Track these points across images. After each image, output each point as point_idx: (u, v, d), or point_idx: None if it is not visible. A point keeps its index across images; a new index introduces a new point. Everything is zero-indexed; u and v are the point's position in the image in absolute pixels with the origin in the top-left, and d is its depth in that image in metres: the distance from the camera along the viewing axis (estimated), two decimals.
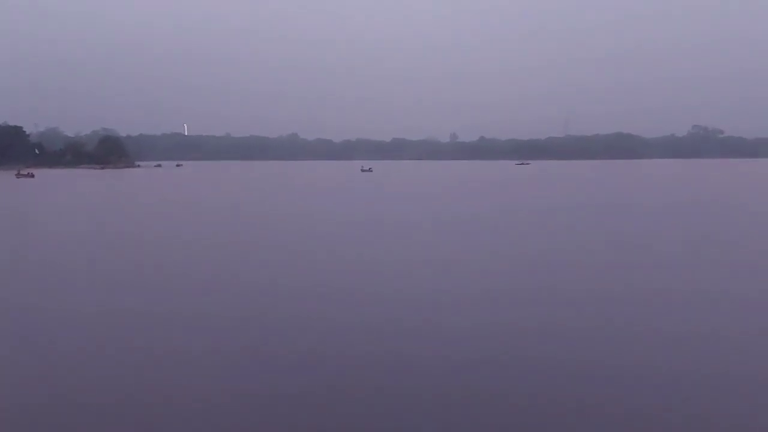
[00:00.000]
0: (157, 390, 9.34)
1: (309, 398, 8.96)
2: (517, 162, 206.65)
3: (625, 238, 25.35)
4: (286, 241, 25.45)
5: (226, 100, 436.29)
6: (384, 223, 31.67)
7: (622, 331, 12.12)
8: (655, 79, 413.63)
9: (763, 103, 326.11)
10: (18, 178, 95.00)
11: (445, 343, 11.41)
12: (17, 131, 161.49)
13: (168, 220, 34.50)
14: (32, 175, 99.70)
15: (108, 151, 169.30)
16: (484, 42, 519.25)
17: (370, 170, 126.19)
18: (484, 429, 8.04)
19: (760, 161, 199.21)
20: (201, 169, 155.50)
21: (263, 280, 17.50)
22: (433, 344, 11.36)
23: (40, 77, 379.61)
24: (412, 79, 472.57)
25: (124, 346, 11.46)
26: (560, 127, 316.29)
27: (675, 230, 28.11)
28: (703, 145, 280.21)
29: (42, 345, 11.68)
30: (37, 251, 23.62)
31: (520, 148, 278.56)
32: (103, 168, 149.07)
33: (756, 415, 8.42)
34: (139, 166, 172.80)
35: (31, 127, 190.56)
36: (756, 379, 9.65)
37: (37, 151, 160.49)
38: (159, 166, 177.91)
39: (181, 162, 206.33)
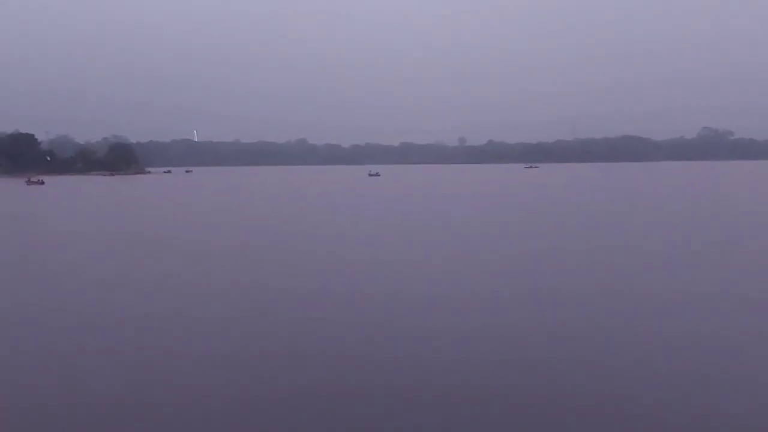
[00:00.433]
0: (158, 390, 9.44)
1: (309, 398, 9.02)
2: (525, 165, 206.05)
3: (627, 241, 25.32)
4: (289, 243, 25.55)
5: (235, 106, 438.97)
6: (384, 225, 31.78)
7: (621, 332, 12.13)
8: (663, 79, 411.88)
9: None
10: (29, 185, 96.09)
11: (445, 343, 11.46)
12: (29, 139, 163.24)
13: (173, 225, 34.71)
14: (42, 182, 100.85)
15: (118, 158, 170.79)
16: (491, 44, 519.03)
17: (377, 175, 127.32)
18: (485, 429, 8.07)
19: None
20: (210, 174, 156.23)
21: (267, 282, 17.63)
22: (434, 344, 11.41)
23: (51, 85, 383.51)
24: (419, 82, 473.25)
25: (125, 347, 11.56)
26: (568, 129, 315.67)
27: (680, 232, 28.10)
28: (713, 147, 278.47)
29: (43, 346, 11.79)
30: (39, 255, 23.88)
31: (528, 152, 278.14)
32: (112, 174, 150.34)
33: (756, 415, 8.41)
34: (149, 172, 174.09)
35: (43, 135, 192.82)
36: (756, 380, 9.62)
37: (48, 159, 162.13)
38: (169, 172, 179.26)
39: (190, 168, 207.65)
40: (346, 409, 8.66)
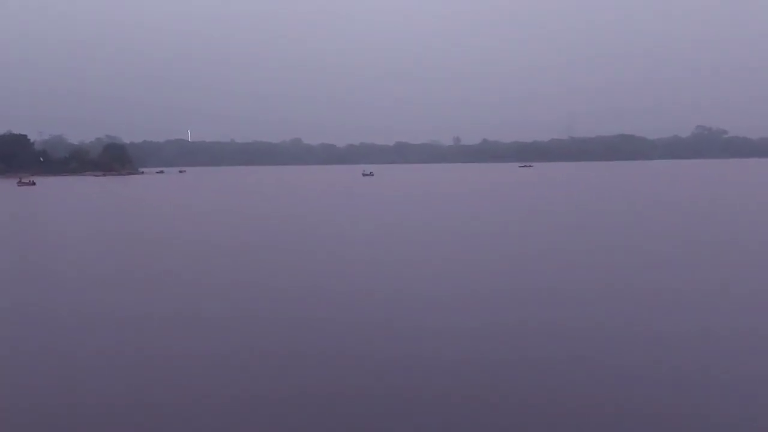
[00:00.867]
0: (157, 390, 9.47)
1: (309, 399, 9.03)
2: (520, 164, 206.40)
3: (624, 240, 25.31)
4: (280, 242, 25.45)
5: (229, 105, 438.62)
6: (375, 225, 31.72)
7: (621, 331, 12.15)
8: (657, 78, 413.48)
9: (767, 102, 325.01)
10: (20, 186, 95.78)
11: (445, 343, 11.48)
12: (21, 140, 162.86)
13: (158, 225, 34.59)
14: (33, 183, 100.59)
15: (112, 158, 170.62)
16: (486, 44, 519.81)
17: (371, 174, 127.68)
18: (485, 429, 8.04)
19: (765, 161, 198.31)
20: (203, 174, 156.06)
21: (261, 281, 17.76)
22: (433, 344, 11.43)
23: (45, 85, 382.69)
24: (414, 81, 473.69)
25: (124, 347, 11.59)
26: (563, 128, 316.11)
27: (677, 230, 28.08)
28: (707, 145, 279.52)
29: (41, 346, 11.82)
30: (18, 258, 23.76)
31: (523, 151, 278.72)
32: (104, 175, 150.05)
33: (756, 413, 8.38)
34: (142, 172, 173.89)
35: (36, 135, 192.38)
36: (757, 379, 9.60)
37: (41, 159, 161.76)
38: (161, 172, 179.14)
39: (184, 168, 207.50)
40: (345, 409, 8.66)
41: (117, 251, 24.66)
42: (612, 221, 33.00)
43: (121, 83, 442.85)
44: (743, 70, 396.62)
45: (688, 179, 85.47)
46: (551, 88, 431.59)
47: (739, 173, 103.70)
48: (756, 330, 12.15)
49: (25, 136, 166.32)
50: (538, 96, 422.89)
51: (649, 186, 69.37)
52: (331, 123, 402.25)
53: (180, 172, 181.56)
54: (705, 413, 8.40)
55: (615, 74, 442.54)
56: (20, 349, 11.76)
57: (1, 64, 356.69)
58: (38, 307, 15.13)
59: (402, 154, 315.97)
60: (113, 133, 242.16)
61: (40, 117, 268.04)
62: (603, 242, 24.87)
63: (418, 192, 65.15)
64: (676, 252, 22.05)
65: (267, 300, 15.35)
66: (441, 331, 12.26)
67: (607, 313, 13.47)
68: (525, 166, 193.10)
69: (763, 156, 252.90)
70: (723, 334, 11.94)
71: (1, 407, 8.99)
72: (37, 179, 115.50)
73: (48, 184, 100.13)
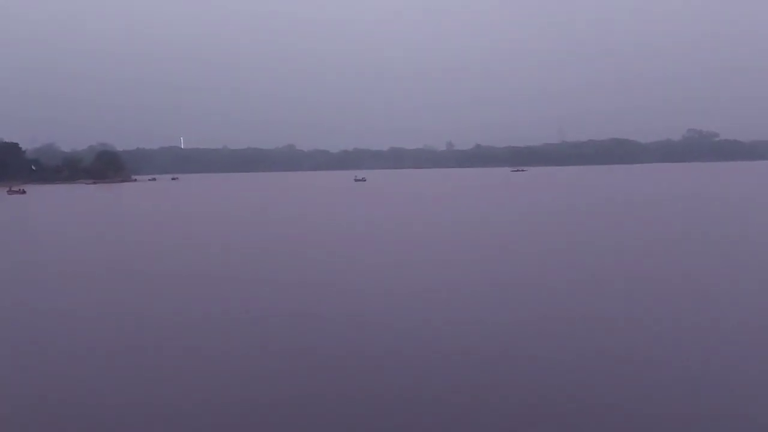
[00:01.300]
0: (157, 390, 9.64)
1: (310, 399, 9.14)
2: (512, 169, 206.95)
3: (612, 242, 25.59)
4: (271, 245, 25.63)
5: (222, 112, 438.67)
6: (362, 226, 31.94)
7: (621, 329, 12.35)
8: (649, 81, 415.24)
9: (758, 105, 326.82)
10: (9, 194, 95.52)
11: (444, 343, 11.64)
12: (13, 148, 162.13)
13: (138, 231, 34.70)
14: (24, 192, 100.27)
15: (105, 166, 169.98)
16: (478, 45, 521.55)
17: (363, 180, 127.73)
18: (485, 429, 8.12)
19: (757, 164, 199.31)
20: (196, 181, 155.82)
21: (262, 284, 18.06)
22: (433, 344, 11.59)
23: (37, 93, 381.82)
24: (407, 87, 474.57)
25: (124, 348, 11.81)
26: (556, 133, 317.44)
27: (668, 231, 28.35)
28: (698, 148, 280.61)
29: (40, 349, 12.04)
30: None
31: (516, 155, 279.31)
32: (95, 183, 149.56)
33: (755, 411, 8.47)
34: (135, 180, 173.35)
35: (28, 144, 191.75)
36: (756, 377, 9.72)
37: (33, 168, 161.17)
38: (153, 179, 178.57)
39: (177, 175, 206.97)
40: (346, 409, 8.75)
41: (102, 256, 24.77)
42: (600, 221, 33.58)
43: (112, 91, 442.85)
44: (734, 72, 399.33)
45: (679, 181, 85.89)
46: (543, 92, 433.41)
47: (730, 176, 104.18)
48: (755, 327, 12.39)
49: (17, 144, 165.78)
50: (530, 100, 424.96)
51: (638, 188, 69.72)
52: (325, 129, 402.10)
53: (172, 179, 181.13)
54: (705, 413, 8.46)
55: (606, 76, 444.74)
56: (21, 352, 12.02)
57: None
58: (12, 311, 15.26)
59: (396, 159, 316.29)
60: (106, 141, 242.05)
61: (33, 124, 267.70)
62: (595, 241, 25.44)
63: (409, 196, 65.31)
64: (671, 251, 22.55)
65: (263, 301, 15.63)
66: (440, 330, 12.49)
67: (606, 312, 13.73)
68: (517, 170, 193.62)
69: (755, 159, 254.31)
70: (724, 329, 12.22)
71: (1, 407, 9.17)
72: (28, 187, 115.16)
73: (38, 193, 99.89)
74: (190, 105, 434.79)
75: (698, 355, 10.68)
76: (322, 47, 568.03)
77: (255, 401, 9.12)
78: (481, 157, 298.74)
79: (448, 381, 9.72)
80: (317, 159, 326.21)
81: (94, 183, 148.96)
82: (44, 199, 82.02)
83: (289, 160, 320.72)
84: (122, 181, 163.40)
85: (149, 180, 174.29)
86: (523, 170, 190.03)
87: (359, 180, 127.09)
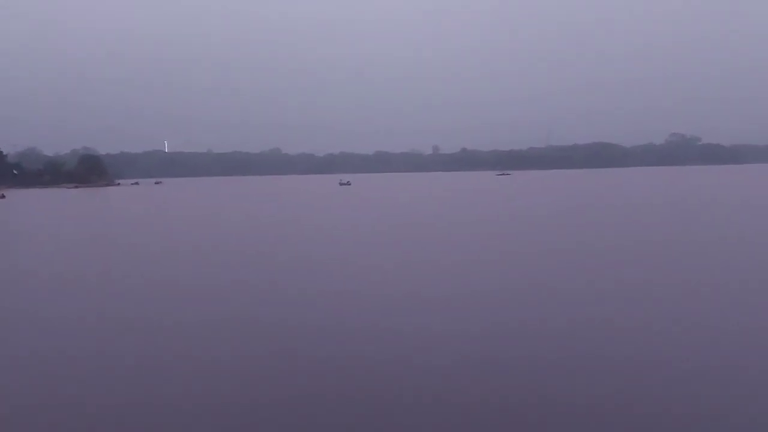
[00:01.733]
0: (156, 391, 9.62)
1: (309, 399, 9.13)
2: (497, 173, 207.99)
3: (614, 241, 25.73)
4: (256, 248, 25.45)
5: (207, 116, 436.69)
6: (345, 231, 31.80)
7: (620, 330, 12.42)
8: (632, 84, 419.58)
9: (739, 109, 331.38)
10: None
11: (443, 343, 11.68)
12: None
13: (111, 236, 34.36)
14: (3, 196, 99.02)
15: (88, 170, 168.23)
16: (463, 52, 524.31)
17: (348, 184, 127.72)
18: (486, 429, 8.10)
19: (738, 167, 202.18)
20: (179, 185, 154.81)
21: (256, 287, 18.07)
22: (432, 344, 11.61)
23: (19, 96, 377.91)
24: (393, 91, 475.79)
25: (123, 351, 11.77)
26: (542, 137, 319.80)
27: (659, 232, 28.52)
28: (681, 152, 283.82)
29: (40, 350, 12.04)
30: None
31: (502, 159, 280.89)
32: (76, 187, 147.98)
33: (755, 410, 8.49)
34: (119, 184, 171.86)
35: (9, 148, 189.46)
36: (755, 376, 9.75)
37: (15, 172, 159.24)
38: (136, 183, 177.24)
39: (160, 179, 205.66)
40: (345, 409, 8.76)
41: (81, 261, 24.49)
42: (593, 223, 34.11)
43: (98, 94, 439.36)
44: (716, 77, 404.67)
45: (663, 185, 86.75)
46: (530, 97, 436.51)
47: (714, 179, 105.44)
48: (755, 327, 12.45)
49: None
50: (516, 104, 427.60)
51: (625, 191, 70.43)
52: (311, 133, 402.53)
53: (156, 183, 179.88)
54: (704, 412, 8.48)
55: (591, 81, 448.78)
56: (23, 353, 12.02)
57: None
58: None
59: (382, 163, 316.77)
60: (89, 145, 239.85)
61: (14, 130, 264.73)
62: (590, 243, 25.84)
63: (392, 200, 65.32)
64: (668, 251, 22.95)
65: (263, 303, 15.70)
66: (438, 331, 12.54)
67: (605, 312, 13.82)
68: (502, 174, 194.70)
69: (737, 162, 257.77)
70: (723, 329, 12.30)
71: (2, 408, 9.20)
72: (8, 192, 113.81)
73: (18, 197, 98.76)
74: (174, 108, 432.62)
75: (698, 355, 10.71)
76: (306, 51, 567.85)
77: (253, 402, 9.12)
78: (467, 160, 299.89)
79: (448, 381, 9.73)
80: (303, 163, 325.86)
81: (76, 187, 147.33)
82: (24, 203, 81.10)
83: (274, 163, 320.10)
84: (106, 185, 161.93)
85: (132, 184, 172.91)
86: (508, 174, 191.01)
87: (344, 184, 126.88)
